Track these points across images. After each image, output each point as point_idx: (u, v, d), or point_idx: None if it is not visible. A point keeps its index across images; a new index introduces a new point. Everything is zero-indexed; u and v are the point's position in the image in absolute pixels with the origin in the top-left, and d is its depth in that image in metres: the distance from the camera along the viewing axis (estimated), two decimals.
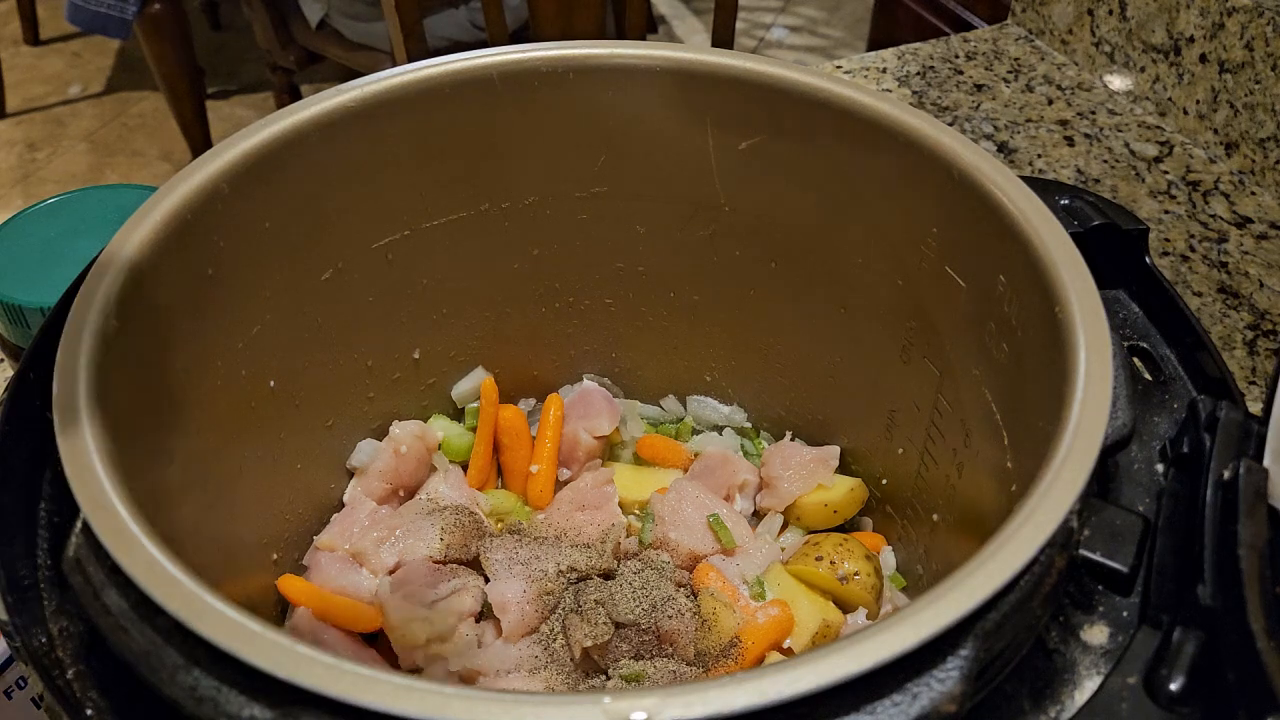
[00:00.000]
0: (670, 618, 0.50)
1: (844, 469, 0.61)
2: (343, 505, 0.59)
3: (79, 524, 0.35)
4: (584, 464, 0.62)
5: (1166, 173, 0.88)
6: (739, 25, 2.22)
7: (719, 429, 0.66)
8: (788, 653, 0.52)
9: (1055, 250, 0.42)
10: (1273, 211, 0.84)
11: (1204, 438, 0.40)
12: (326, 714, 0.29)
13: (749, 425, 0.66)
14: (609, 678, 0.49)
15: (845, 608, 0.54)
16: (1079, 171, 0.88)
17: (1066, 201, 0.50)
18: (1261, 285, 0.77)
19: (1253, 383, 0.70)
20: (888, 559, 0.59)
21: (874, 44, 2.07)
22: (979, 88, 0.98)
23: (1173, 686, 0.34)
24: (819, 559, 0.54)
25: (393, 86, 0.50)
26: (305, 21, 1.95)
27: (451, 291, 0.59)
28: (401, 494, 0.60)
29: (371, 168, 0.52)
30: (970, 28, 1.14)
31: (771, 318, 0.61)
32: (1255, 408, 0.42)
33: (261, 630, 0.30)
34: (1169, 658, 0.35)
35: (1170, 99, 0.92)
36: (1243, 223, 0.83)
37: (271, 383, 0.52)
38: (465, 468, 0.62)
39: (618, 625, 0.50)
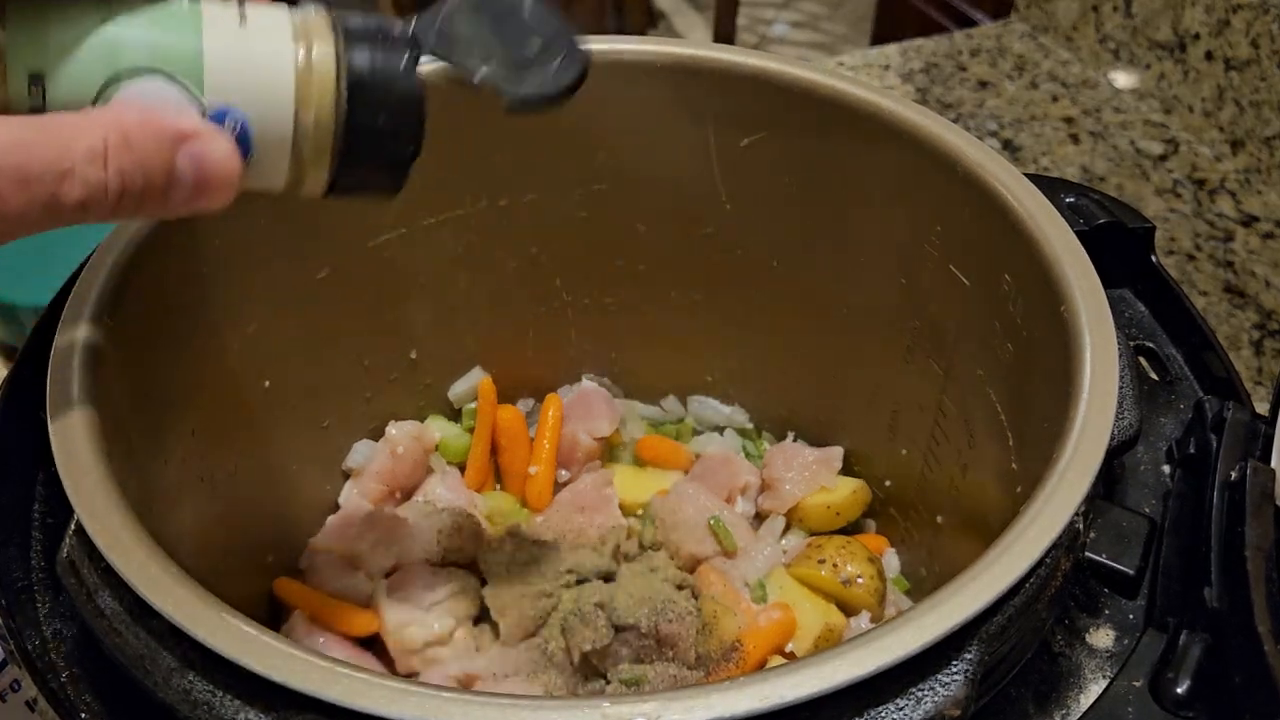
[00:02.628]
0: (671, 621, 0.50)
1: (847, 470, 0.61)
2: (339, 507, 0.59)
3: (73, 525, 0.34)
4: (583, 465, 0.62)
5: (1172, 171, 0.88)
6: (740, 21, 2.22)
7: (720, 430, 0.65)
8: (790, 656, 0.52)
9: (1060, 249, 0.42)
10: (1279, 210, 0.84)
11: (1210, 438, 0.40)
12: (322, 718, 0.29)
13: (750, 426, 0.65)
14: (609, 681, 0.49)
15: (848, 611, 0.54)
16: (1084, 169, 0.88)
17: (1071, 199, 0.50)
18: (1268, 284, 0.77)
19: (1259, 383, 0.69)
20: (891, 561, 0.58)
21: (877, 40, 2.06)
22: (983, 85, 0.98)
23: (1179, 690, 0.34)
24: (821, 562, 0.54)
25: None
26: None
27: (449, 291, 0.59)
28: (398, 496, 0.60)
29: None
30: (974, 24, 1.14)
31: (773, 317, 0.60)
32: (1262, 408, 0.41)
33: (257, 634, 0.30)
34: (1175, 661, 0.35)
35: (1176, 96, 0.92)
36: (1249, 221, 0.83)
37: (266, 383, 0.52)
38: (463, 469, 0.62)
39: (618, 628, 0.49)
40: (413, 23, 0.34)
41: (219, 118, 0.30)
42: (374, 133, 0.33)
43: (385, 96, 0.33)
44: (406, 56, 0.33)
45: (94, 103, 0.29)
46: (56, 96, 0.29)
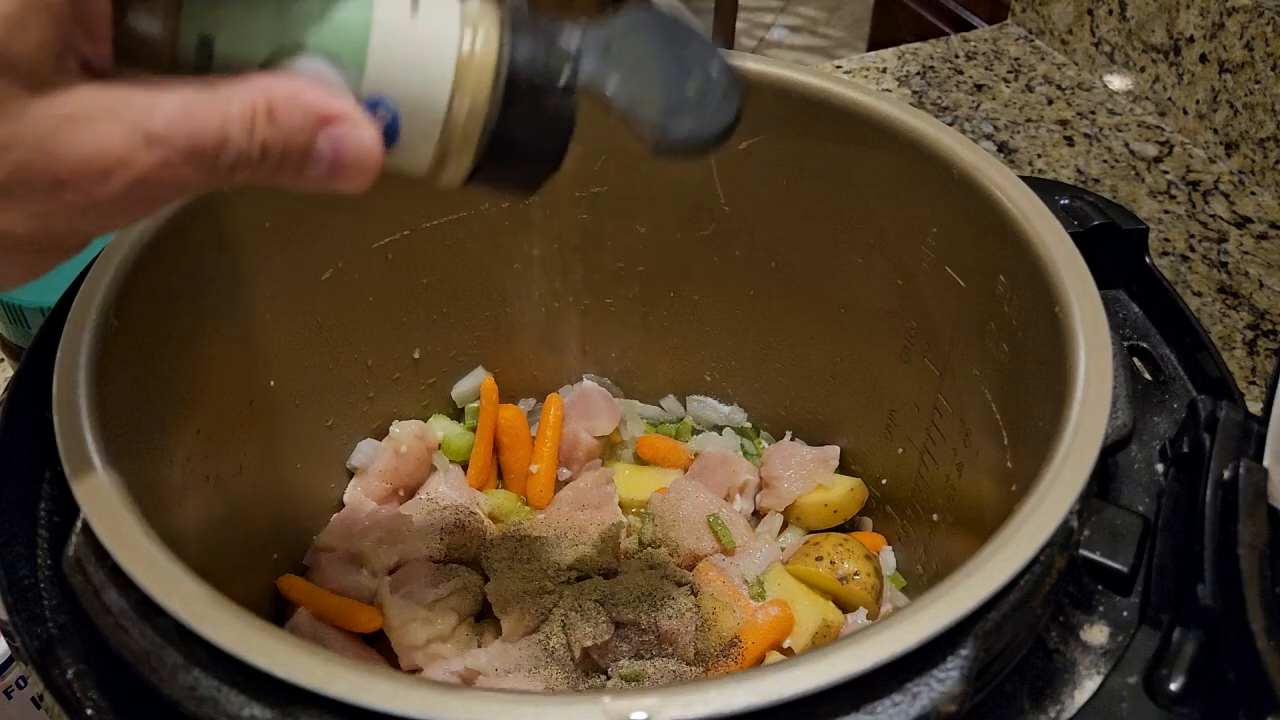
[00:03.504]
0: (670, 617, 0.50)
1: (844, 469, 0.61)
2: (343, 505, 0.59)
3: (79, 524, 0.35)
4: (584, 464, 0.62)
5: (1166, 173, 0.88)
6: (738, 25, 2.22)
7: (719, 429, 0.66)
8: (788, 653, 0.52)
9: (1055, 250, 0.42)
10: (1272, 211, 0.84)
11: (1204, 438, 0.40)
12: (326, 714, 0.29)
13: (749, 425, 0.66)
14: (609, 677, 0.49)
15: (845, 608, 0.54)
16: (1079, 171, 0.88)
17: (1066, 201, 0.50)
18: (1261, 285, 0.77)
19: (1252, 383, 0.70)
20: (887, 559, 0.59)
21: (874, 44, 2.07)
22: (979, 88, 0.98)
23: (1173, 686, 0.35)
24: (819, 559, 0.54)
25: None
26: None
27: (451, 291, 0.60)
28: (401, 494, 0.60)
29: None
30: (970, 27, 1.14)
31: (771, 317, 0.61)
32: (1255, 408, 0.42)
33: (261, 630, 0.30)
34: (1169, 658, 0.35)
35: (1170, 99, 0.92)
36: (1242, 222, 0.83)
37: (271, 382, 0.52)
38: (465, 468, 0.62)
39: (618, 625, 0.50)
40: (580, 35, 0.33)
41: (372, 105, 0.30)
42: (520, 139, 0.33)
43: (538, 106, 0.32)
44: (568, 70, 0.33)
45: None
46: (220, 62, 0.29)
